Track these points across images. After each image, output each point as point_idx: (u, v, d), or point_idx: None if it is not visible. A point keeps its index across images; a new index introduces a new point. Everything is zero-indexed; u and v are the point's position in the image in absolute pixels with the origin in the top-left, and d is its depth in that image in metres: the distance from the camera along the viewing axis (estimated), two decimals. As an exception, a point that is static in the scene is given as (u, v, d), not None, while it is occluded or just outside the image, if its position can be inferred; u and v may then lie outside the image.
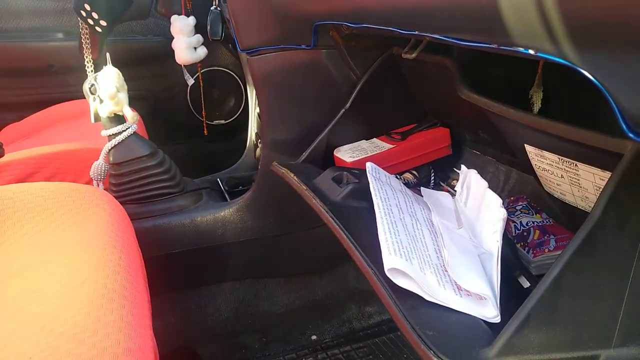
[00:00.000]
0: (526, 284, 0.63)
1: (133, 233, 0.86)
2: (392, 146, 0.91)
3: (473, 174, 0.69)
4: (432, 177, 0.93)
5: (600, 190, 0.46)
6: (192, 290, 1.17)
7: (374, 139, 0.96)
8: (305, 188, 0.73)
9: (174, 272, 1.12)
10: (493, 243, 0.53)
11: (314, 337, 1.20)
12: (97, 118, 1.04)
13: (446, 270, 0.52)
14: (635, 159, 0.40)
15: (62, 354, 0.57)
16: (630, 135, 0.34)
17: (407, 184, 0.89)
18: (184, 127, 1.73)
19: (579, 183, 0.55)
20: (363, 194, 0.72)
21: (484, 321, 0.48)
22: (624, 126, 0.34)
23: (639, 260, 0.46)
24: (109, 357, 0.58)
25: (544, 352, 0.43)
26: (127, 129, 1.05)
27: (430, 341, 0.41)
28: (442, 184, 0.93)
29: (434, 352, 0.40)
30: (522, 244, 0.70)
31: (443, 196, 0.77)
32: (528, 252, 0.68)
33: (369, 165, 0.72)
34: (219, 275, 1.19)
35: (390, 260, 0.48)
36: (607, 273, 0.47)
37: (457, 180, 0.78)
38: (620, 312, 0.48)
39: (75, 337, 0.59)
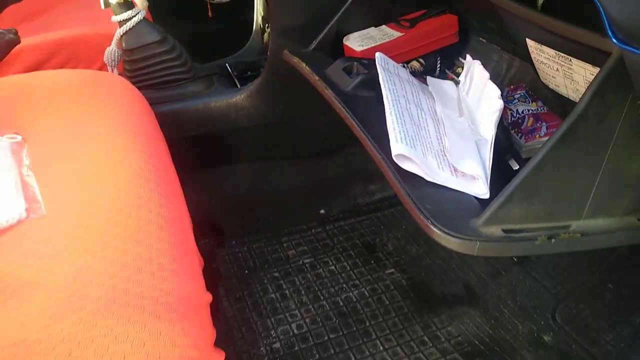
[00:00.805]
0: (515, 166, 0.71)
1: (154, 117, 0.93)
2: (400, 34, 0.93)
3: (477, 65, 0.73)
4: (439, 65, 0.97)
5: (589, 84, 0.51)
6: (209, 170, 1.26)
7: (383, 26, 0.98)
8: (317, 78, 0.78)
9: (191, 155, 1.20)
10: (489, 131, 0.60)
11: (322, 211, 1.33)
12: (107, 4, 1.05)
13: (445, 155, 0.60)
14: (620, 60, 0.45)
15: (113, 224, 0.67)
16: (614, 41, 0.39)
17: (413, 72, 0.93)
18: (187, 8, 1.70)
19: (571, 77, 0.60)
20: (372, 84, 0.77)
21: (475, 197, 0.56)
22: (609, 32, 0.39)
23: (612, 149, 0.53)
24: (154, 227, 0.68)
25: (523, 222, 0.52)
26: (136, 14, 1.06)
27: (429, 213, 0.50)
28: (447, 71, 0.97)
29: (431, 221, 0.49)
30: (516, 130, 0.77)
31: (447, 85, 0.82)
32: (521, 137, 0.75)
33: (378, 56, 0.76)
34: (234, 157, 1.27)
35: (397, 147, 0.55)
36: (584, 158, 0.54)
37: (462, 68, 0.82)
38: (592, 192, 0.57)
39: (122, 212, 0.69)
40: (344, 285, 1.10)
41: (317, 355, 0.95)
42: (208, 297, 0.63)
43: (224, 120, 1.20)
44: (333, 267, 1.15)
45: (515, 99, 0.81)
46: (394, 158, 0.55)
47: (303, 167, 1.35)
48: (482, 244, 0.49)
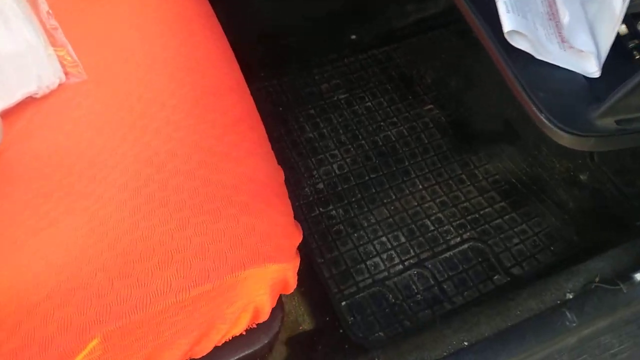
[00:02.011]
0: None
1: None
2: None
3: None
4: None
5: None
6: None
7: None
8: None
9: None
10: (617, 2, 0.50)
11: (353, 37, 1.22)
12: None
13: (551, 19, 0.51)
14: None
15: (168, 95, 0.61)
16: None
17: None
18: None
19: None
20: None
21: (584, 77, 0.50)
22: None
23: None
24: (212, 97, 0.62)
25: (637, 111, 0.47)
26: None
27: (542, 103, 0.45)
28: None
29: (545, 115, 0.44)
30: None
31: None
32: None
33: None
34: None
35: (509, 20, 0.46)
36: None
37: None
38: None
39: (175, 78, 0.62)
40: (382, 123, 1.08)
41: (358, 195, 0.98)
42: (281, 173, 0.61)
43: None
44: (369, 104, 1.11)
45: None
46: (506, 36, 0.47)
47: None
48: (596, 140, 0.45)
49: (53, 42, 0.65)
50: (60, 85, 0.62)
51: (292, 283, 0.55)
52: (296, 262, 0.53)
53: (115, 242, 0.46)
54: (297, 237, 0.56)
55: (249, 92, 0.67)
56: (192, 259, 0.46)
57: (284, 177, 0.61)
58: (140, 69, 0.62)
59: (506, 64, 0.47)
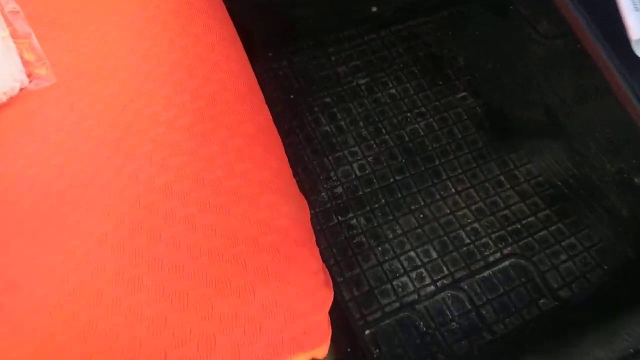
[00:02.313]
0: None
1: None
2: None
3: None
4: None
5: None
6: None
7: None
8: None
9: None
10: None
11: (374, 9, 1.06)
12: None
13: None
14: None
15: (159, 102, 0.48)
16: None
17: None
18: None
19: None
20: None
21: None
22: None
23: None
24: (222, 104, 0.48)
25: None
26: None
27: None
28: None
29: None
30: None
31: None
32: None
33: None
34: None
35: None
36: None
37: None
38: None
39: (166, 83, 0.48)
40: (408, 114, 0.94)
41: (382, 200, 0.85)
42: (306, 208, 0.48)
43: None
44: (394, 90, 0.96)
45: None
46: (633, 45, 0.33)
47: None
48: None
49: (12, 33, 0.50)
50: (21, 91, 0.48)
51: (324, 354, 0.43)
52: (328, 338, 0.41)
53: (88, 333, 0.34)
54: (329, 299, 0.43)
55: (262, 97, 0.53)
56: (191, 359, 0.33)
57: (308, 212, 0.48)
58: (126, 69, 0.48)
59: (623, 78, 0.34)
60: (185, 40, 0.50)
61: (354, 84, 0.97)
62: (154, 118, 0.46)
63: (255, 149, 0.46)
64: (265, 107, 0.53)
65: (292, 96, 0.95)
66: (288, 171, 0.48)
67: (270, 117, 0.52)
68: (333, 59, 1.00)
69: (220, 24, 0.54)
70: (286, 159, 0.49)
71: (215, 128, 0.46)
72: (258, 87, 0.53)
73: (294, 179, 0.49)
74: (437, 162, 0.90)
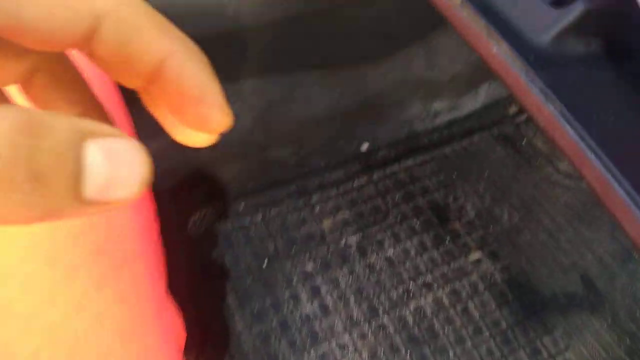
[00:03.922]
0: None
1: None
2: None
3: None
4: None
5: None
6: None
7: None
8: (464, 9, 0.32)
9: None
10: None
11: (364, 147, 0.91)
12: None
13: None
14: None
15: None
16: None
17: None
18: None
19: None
20: (601, 26, 0.31)
21: None
22: None
23: None
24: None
25: None
26: None
27: None
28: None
29: None
30: None
31: None
32: None
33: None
34: (235, 71, 0.81)
35: None
36: None
37: None
38: None
39: None
40: (411, 284, 0.75)
41: (382, 413, 0.64)
42: None
43: (217, 16, 0.71)
44: (391, 252, 0.78)
45: None
46: None
47: (336, 80, 0.89)
48: None
49: None
50: None
51: None
52: None
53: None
54: None
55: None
56: None
57: None
58: None
59: None
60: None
61: (343, 243, 0.79)
62: None
63: None
64: None
65: (266, 261, 0.76)
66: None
67: None
68: (317, 209, 0.83)
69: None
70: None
71: None
72: None
73: None
74: (451, 354, 0.69)
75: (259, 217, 0.81)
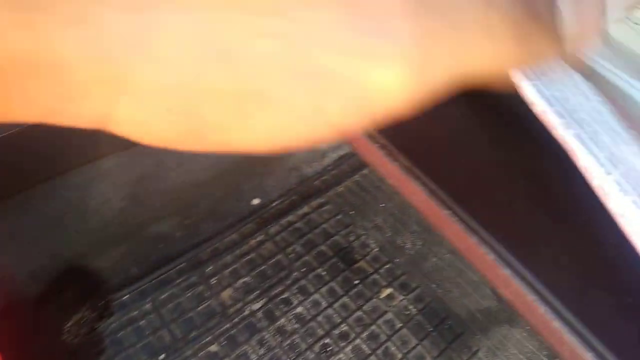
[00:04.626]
0: None
1: None
2: None
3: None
4: None
5: None
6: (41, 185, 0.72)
7: None
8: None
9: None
10: None
11: (255, 202, 0.86)
12: None
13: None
14: None
15: None
16: None
17: None
18: None
19: None
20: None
21: None
22: None
23: None
24: None
25: None
26: None
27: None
28: None
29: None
30: None
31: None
32: None
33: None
34: (96, 151, 0.73)
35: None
36: None
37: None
38: None
39: None
40: (328, 340, 0.69)
41: None
42: None
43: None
44: (300, 309, 0.72)
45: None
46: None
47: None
48: None
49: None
50: None
51: None
52: None
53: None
54: None
55: None
56: None
57: None
58: None
59: None
60: None
61: (247, 312, 0.72)
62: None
63: None
64: None
65: (163, 357, 0.67)
66: None
67: None
68: (214, 281, 0.75)
69: None
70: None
71: None
72: None
73: None
74: (381, 406, 0.64)
75: (149, 305, 0.72)
